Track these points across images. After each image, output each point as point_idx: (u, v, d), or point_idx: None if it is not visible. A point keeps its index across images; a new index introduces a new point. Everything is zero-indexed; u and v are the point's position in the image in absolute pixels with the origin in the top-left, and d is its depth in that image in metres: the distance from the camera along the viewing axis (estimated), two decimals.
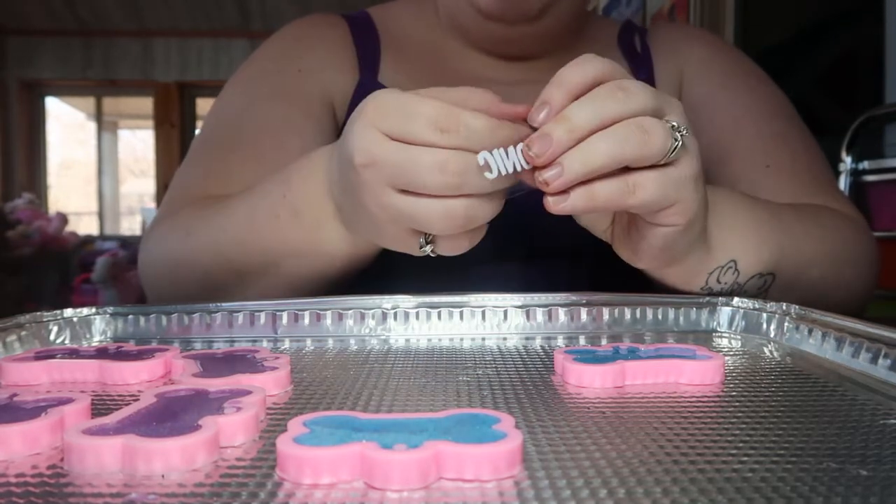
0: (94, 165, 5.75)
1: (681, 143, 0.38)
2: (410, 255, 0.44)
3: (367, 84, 0.70)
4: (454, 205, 0.37)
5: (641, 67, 0.74)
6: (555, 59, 0.73)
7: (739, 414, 0.31)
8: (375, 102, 0.39)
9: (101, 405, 0.32)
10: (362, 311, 0.47)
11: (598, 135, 0.36)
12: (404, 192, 0.38)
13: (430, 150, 0.36)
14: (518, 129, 0.38)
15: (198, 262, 0.56)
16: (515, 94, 0.71)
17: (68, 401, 0.29)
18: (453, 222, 0.37)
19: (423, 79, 0.71)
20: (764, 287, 0.52)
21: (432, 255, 0.40)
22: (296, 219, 0.50)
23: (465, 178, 0.36)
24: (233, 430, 0.27)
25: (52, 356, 0.38)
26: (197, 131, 0.77)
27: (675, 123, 0.38)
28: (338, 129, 0.72)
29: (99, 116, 5.73)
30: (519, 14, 0.66)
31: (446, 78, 0.72)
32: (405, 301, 0.47)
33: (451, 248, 0.40)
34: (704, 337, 0.47)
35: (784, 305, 0.46)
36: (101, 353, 0.38)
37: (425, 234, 0.41)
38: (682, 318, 0.49)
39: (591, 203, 0.37)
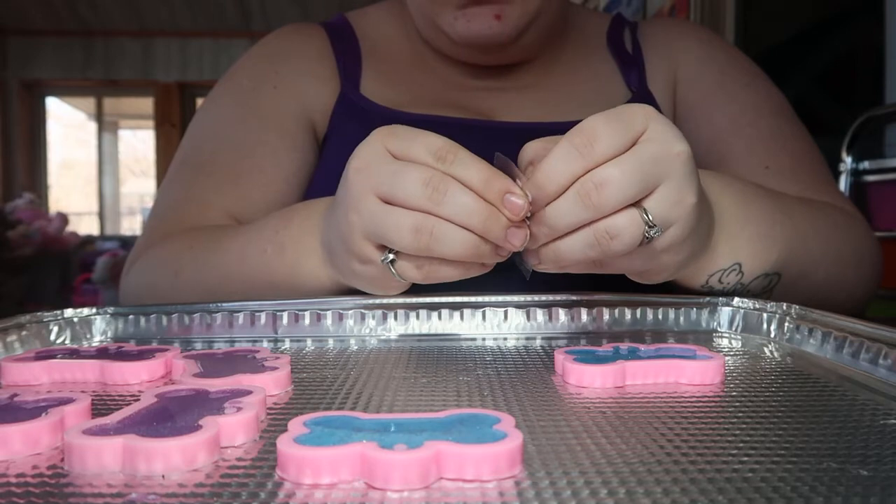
0: (94, 165, 5.76)
1: (650, 238, 0.38)
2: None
3: (349, 96, 0.69)
4: (424, 220, 0.38)
5: (632, 67, 0.73)
6: (541, 63, 0.73)
7: (740, 414, 0.31)
8: (390, 127, 0.41)
9: (101, 405, 0.32)
10: (362, 311, 0.47)
11: (567, 242, 0.38)
12: (384, 202, 0.39)
13: (420, 166, 0.38)
14: (503, 189, 0.38)
15: (186, 302, 0.56)
16: (501, 99, 0.71)
17: (69, 401, 0.29)
18: (419, 238, 0.38)
19: (406, 88, 0.71)
20: (769, 286, 0.51)
21: (392, 268, 0.41)
22: (280, 253, 0.51)
23: (443, 197, 0.37)
24: (233, 430, 0.27)
25: (53, 356, 0.38)
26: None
27: (648, 219, 0.38)
28: (318, 145, 0.71)
29: (99, 116, 5.74)
30: (494, 43, 0.65)
31: (429, 87, 0.71)
32: (405, 301, 0.47)
33: (410, 269, 0.41)
34: (705, 337, 0.47)
35: (784, 305, 0.46)
36: (102, 354, 0.38)
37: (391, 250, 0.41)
38: (682, 319, 0.49)
39: (562, 270, 0.41)
